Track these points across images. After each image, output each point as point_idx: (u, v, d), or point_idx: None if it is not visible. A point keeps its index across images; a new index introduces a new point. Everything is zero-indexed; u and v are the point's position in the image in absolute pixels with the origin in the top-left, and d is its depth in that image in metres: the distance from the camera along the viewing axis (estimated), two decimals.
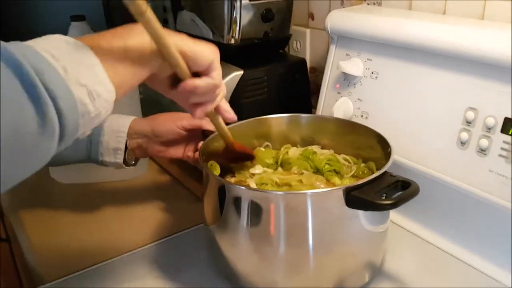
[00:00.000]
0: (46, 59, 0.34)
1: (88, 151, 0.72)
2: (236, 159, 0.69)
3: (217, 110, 0.57)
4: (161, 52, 0.44)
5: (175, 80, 0.49)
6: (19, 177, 0.35)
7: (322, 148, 0.73)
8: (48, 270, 0.66)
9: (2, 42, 0.33)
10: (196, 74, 0.49)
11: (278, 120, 0.74)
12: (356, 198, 0.52)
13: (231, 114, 0.59)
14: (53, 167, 0.91)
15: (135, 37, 0.43)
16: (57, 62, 0.35)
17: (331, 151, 0.72)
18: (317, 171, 0.68)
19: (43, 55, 0.34)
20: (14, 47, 0.33)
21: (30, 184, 0.89)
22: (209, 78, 0.49)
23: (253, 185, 0.64)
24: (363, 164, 0.68)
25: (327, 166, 0.68)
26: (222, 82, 0.53)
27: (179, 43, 0.45)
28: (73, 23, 1.08)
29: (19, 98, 0.32)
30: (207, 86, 0.49)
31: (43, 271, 0.66)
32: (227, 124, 0.64)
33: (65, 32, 1.08)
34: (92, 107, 0.37)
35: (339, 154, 0.71)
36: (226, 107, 0.58)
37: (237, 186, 0.60)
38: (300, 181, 0.66)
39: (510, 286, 0.60)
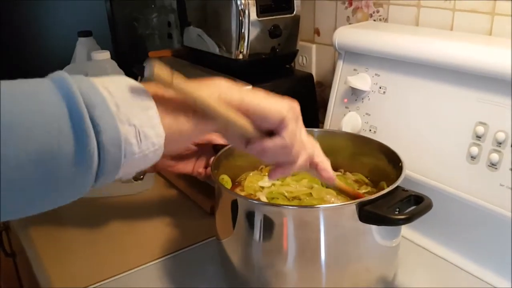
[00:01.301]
0: (101, 93, 0.34)
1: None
2: None
3: (313, 165, 0.53)
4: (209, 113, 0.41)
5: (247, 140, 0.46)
6: (49, 205, 0.34)
7: (335, 166, 0.73)
8: (57, 286, 0.66)
9: (63, 71, 0.33)
10: (272, 132, 0.45)
11: None
12: (370, 213, 0.51)
13: (327, 172, 0.54)
14: None
15: (204, 89, 0.41)
16: (112, 98, 0.34)
17: (342, 172, 0.72)
18: (327, 187, 0.68)
19: (99, 89, 0.34)
20: (73, 77, 0.33)
21: None
22: (279, 138, 0.45)
23: (263, 199, 0.64)
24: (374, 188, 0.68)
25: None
26: (307, 139, 0.50)
27: (246, 98, 0.43)
28: (80, 39, 1.09)
29: (61, 124, 0.31)
30: (275, 147, 0.45)
31: (52, 286, 0.66)
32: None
33: (72, 47, 1.10)
34: (137, 148, 0.36)
35: (353, 173, 0.71)
36: (319, 162, 0.53)
37: (250, 200, 0.60)
38: (310, 194, 0.66)
39: None
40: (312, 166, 0.52)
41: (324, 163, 0.53)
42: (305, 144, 0.49)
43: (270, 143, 0.45)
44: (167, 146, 0.39)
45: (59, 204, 0.35)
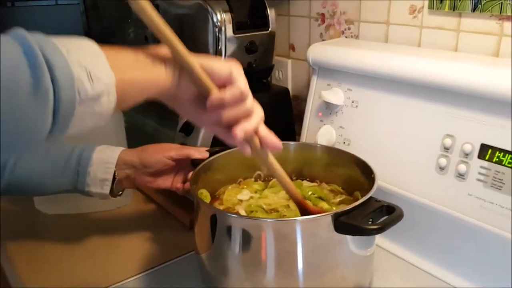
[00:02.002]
0: (53, 42, 0.36)
1: (74, 182, 0.72)
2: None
3: (259, 139, 0.53)
4: (175, 57, 0.45)
5: (204, 104, 0.48)
6: (15, 144, 0.36)
7: (311, 177, 0.76)
8: None
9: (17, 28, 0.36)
10: None
11: None
12: (344, 224, 0.53)
13: (274, 140, 0.54)
14: (38, 198, 0.90)
15: (150, 48, 0.45)
16: (62, 45, 0.37)
17: (318, 182, 0.74)
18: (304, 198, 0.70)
19: (51, 39, 0.37)
20: (26, 32, 0.36)
21: (15, 215, 0.89)
22: (235, 87, 0.48)
23: (242, 212, 0.66)
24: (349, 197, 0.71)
25: (312, 195, 0.70)
26: (257, 104, 0.52)
27: (199, 60, 0.47)
28: None
29: (17, 60, 0.34)
30: (233, 94, 0.48)
31: None
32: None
33: None
34: (90, 87, 0.37)
35: (328, 184, 0.74)
36: (265, 133, 0.53)
37: (229, 214, 0.61)
38: (287, 206, 0.67)
39: None
40: (259, 137, 0.53)
41: (270, 133, 0.54)
42: (256, 104, 0.52)
43: (227, 92, 0.48)
44: (121, 95, 0.41)
45: (23, 148, 0.36)
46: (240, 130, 0.49)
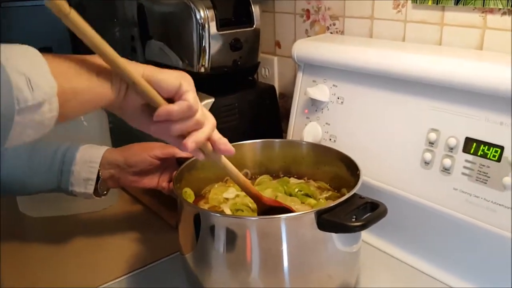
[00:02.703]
0: None
1: (58, 181, 0.71)
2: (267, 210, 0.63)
3: (212, 144, 0.54)
4: (113, 69, 0.43)
5: (152, 114, 0.48)
6: None
7: (298, 174, 0.75)
8: None
9: None
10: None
11: (252, 145, 0.75)
12: (327, 221, 0.53)
13: (227, 145, 0.55)
14: (22, 201, 0.89)
15: (96, 56, 0.43)
16: (3, 54, 0.35)
17: (305, 180, 0.74)
18: (290, 195, 0.70)
19: None
20: None
21: None
22: (183, 101, 0.47)
23: (227, 211, 0.65)
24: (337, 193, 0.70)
25: (299, 192, 0.70)
26: (208, 113, 0.51)
27: (141, 70, 0.45)
28: None
29: None
30: (181, 109, 0.47)
31: None
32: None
33: None
34: (29, 95, 0.36)
35: (315, 181, 0.73)
36: (218, 138, 0.54)
37: (212, 213, 0.60)
38: None
39: None
40: (212, 142, 0.54)
41: (223, 139, 0.55)
42: (207, 114, 0.52)
43: (176, 106, 0.47)
44: (64, 105, 0.40)
45: None
46: (191, 142, 0.49)
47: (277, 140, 0.77)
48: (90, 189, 0.71)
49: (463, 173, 0.62)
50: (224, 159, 0.57)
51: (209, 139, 0.53)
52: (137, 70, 0.45)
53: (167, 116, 0.47)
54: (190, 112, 0.48)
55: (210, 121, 0.52)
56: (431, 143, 0.65)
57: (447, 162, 0.63)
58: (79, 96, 0.42)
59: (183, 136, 0.50)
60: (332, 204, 0.54)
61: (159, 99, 0.47)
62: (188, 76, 0.49)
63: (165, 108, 0.47)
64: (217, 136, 0.54)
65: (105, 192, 0.75)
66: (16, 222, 0.88)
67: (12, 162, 0.71)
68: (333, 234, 0.56)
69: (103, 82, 0.44)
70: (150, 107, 0.48)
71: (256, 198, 0.63)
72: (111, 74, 0.44)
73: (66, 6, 0.39)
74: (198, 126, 0.50)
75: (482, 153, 0.60)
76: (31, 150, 0.72)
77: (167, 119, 0.47)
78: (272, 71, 1.05)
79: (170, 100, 0.48)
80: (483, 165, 0.60)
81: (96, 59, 0.44)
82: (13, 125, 0.36)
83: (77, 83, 0.42)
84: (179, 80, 0.47)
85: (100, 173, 0.72)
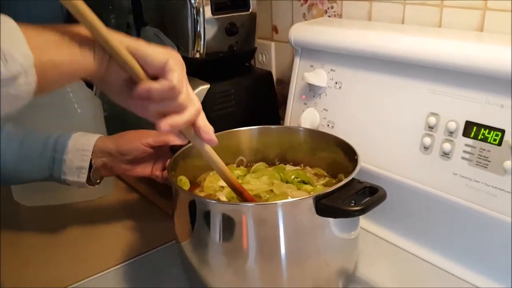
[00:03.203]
0: None
1: (50, 169, 0.70)
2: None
3: (195, 130, 0.52)
4: (95, 38, 0.42)
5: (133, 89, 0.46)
6: None
7: (296, 161, 0.74)
8: None
9: None
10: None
11: (248, 132, 0.74)
12: (326, 206, 0.52)
13: (209, 134, 0.52)
14: (16, 190, 0.88)
15: (80, 27, 0.42)
16: None
17: (301, 166, 0.73)
18: (287, 182, 0.69)
19: None
20: None
21: None
22: (166, 80, 0.45)
23: (223, 198, 0.64)
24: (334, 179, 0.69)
25: (295, 179, 0.69)
26: (194, 97, 0.49)
27: (127, 42, 0.43)
28: None
29: None
30: (163, 88, 0.44)
31: None
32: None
33: None
34: (4, 68, 0.35)
35: (312, 167, 0.72)
36: (202, 125, 0.51)
37: (208, 200, 0.59)
38: (271, 191, 0.66)
39: (479, 287, 0.61)
40: (195, 128, 0.51)
41: (207, 126, 0.52)
42: (193, 98, 0.49)
43: (157, 84, 0.44)
44: (42, 77, 0.38)
45: None
46: (165, 124, 0.46)
47: (273, 126, 0.76)
48: (83, 177, 0.70)
49: (463, 158, 0.61)
50: (208, 147, 0.55)
51: (193, 124, 0.51)
52: (122, 41, 0.43)
53: (147, 94, 0.45)
54: (172, 93, 0.45)
55: (194, 106, 0.49)
56: (431, 128, 0.64)
57: (447, 146, 0.62)
58: (59, 67, 0.41)
59: (165, 116, 0.47)
60: (330, 189, 0.53)
61: (141, 73, 0.44)
62: (178, 56, 0.47)
63: (146, 85, 0.44)
64: (202, 122, 0.51)
65: (99, 181, 0.73)
66: (11, 212, 0.87)
67: (3, 148, 0.70)
68: (331, 220, 0.55)
69: (85, 53, 0.42)
70: (133, 82, 0.45)
71: (238, 192, 0.61)
72: (95, 44, 0.43)
73: None
74: (179, 109, 0.47)
75: (482, 137, 0.59)
76: (23, 136, 0.70)
77: (146, 97, 0.45)
78: (269, 57, 1.03)
79: (156, 78, 0.46)
80: (484, 149, 0.59)
81: (79, 28, 0.42)
82: None
83: (56, 55, 0.40)
84: (166, 57, 0.45)
85: (92, 162, 0.70)
